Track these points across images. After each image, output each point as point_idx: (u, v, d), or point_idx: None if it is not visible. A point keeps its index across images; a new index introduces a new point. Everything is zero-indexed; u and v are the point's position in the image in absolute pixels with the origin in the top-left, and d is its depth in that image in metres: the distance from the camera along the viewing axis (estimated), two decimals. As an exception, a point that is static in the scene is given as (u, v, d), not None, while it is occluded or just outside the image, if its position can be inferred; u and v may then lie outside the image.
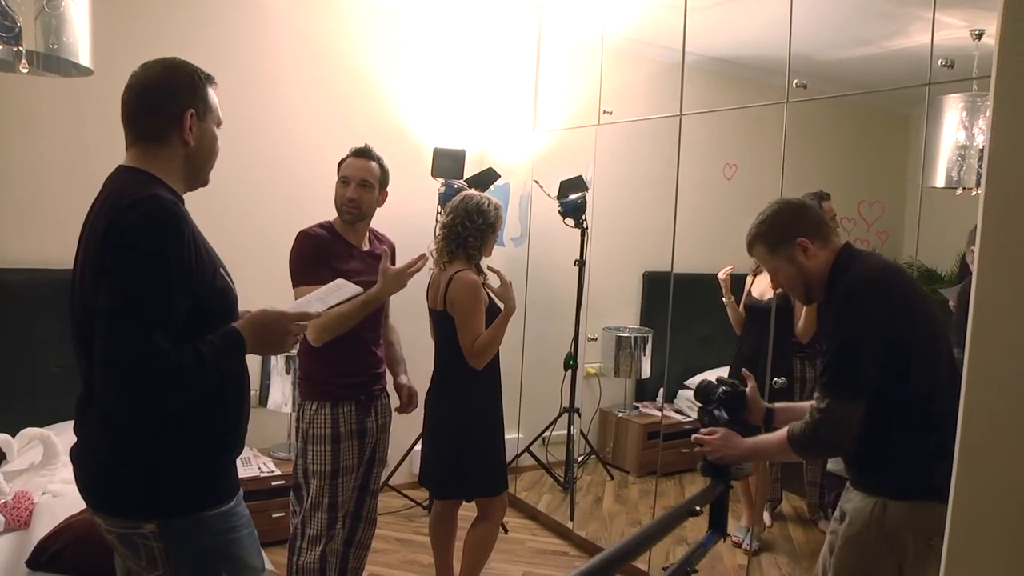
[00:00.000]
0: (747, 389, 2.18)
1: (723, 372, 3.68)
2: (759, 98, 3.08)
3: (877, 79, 2.99)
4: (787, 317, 3.25)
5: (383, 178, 2.69)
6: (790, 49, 2.83)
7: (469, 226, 2.81)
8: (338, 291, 1.98)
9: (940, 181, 2.69)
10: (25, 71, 1.95)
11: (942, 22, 2.46)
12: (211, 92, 1.68)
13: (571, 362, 4.01)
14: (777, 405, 2.22)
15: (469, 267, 2.82)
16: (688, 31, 3.24)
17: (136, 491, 1.54)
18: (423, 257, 2.57)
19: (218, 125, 1.71)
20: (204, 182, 1.72)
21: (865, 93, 3.00)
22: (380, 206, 2.72)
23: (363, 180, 2.64)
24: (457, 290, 2.76)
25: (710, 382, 2.18)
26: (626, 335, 4.26)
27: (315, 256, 2.55)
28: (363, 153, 2.68)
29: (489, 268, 2.88)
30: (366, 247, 2.72)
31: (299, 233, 2.65)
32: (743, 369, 2.28)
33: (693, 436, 2.11)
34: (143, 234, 1.46)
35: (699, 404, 2.18)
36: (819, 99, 2.90)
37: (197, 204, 1.69)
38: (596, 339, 4.25)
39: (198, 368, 1.48)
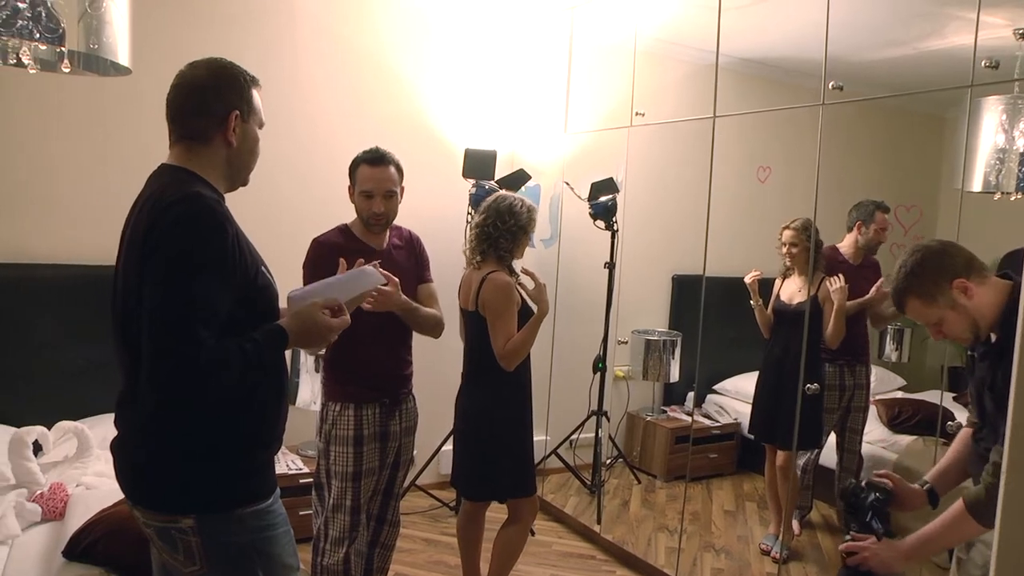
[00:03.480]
0: (892, 486, 1.92)
1: (752, 376, 3.73)
2: (794, 100, 3.05)
3: (913, 80, 2.94)
4: (816, 322, 3.22)
5: (401, 178, 2.66)
6: (826, 50, 2.78)
7: (501, 227, 2.80)
8: (361, 279, 1.97)
9: (977, 185, 2.63)
10: (67, 71, 1.99)
11: (984, 22, 2.40)
12: (255, 94, 1.70)
13: (600, 365, 4.00)
14: (930, 478, 1.97)
15: (501, 268, 2.81)
16: (722, 32, 3.21)
17: (176, 485, 1.56)
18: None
19: (260, 127, 1.72)
20: (244, 182, 1.74)
21: (905, 95, 2.94)
22: (400, 201, 2.69)
23: (388, 191, 2.61)
24: (490, 291, 2.76)
25: (858, 485, 1.93)
26: (655, 338, 4.23)
27: (323, 266, 2.44)
28: (379, 160, 2.60)
29: (524, 270, 2.87)
30: (386, 244, 2.70)
31: (312, 241, 2.64)
32: (883, 473, 1.98)
33: (842, 547, 1.84)
34: (187, 232, 1.47)
35: (847, 512, 1.94)
36: (856, 101, 2.85)
37: (230, 204, 1.69)
38: (626, 342, 4.23)
39: (241, 365, 1.49)
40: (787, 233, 3.43)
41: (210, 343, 1.44)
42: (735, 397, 4.25)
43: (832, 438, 3.48)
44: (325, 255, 2.54)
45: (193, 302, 1.44)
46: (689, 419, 4.09)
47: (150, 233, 1.48)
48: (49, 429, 2.98)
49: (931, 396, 3.38)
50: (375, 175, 2.59)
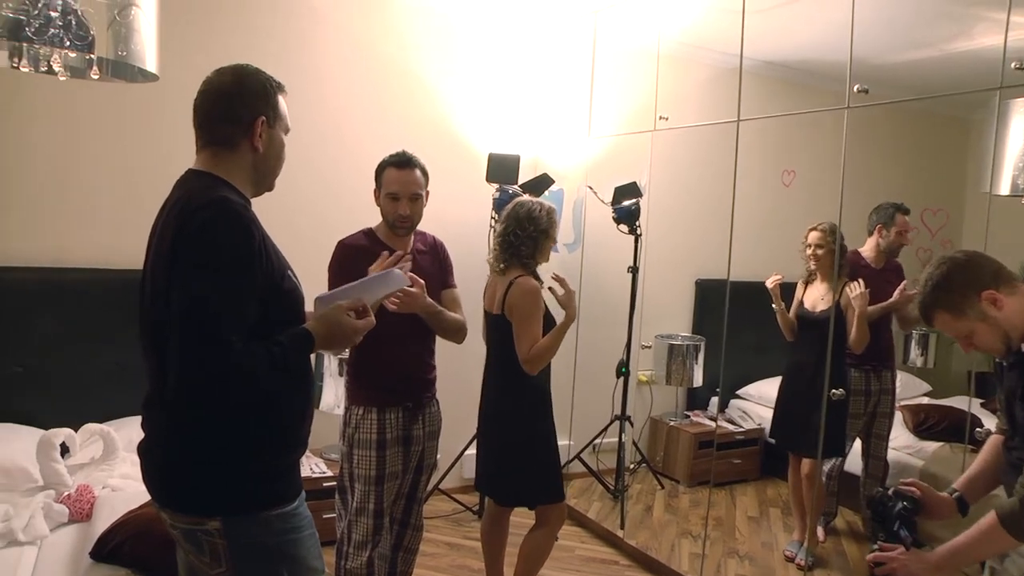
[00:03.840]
0: (920, 495, 1.89)
1: (776, 381, 3.69)
2: (819, 103, 3.02)
3: (940, 83, 2.90)
4: (840, 327, 3.19)
5: (427, 182, 2.67)
6: (851, 53, 2.76)
7: (521, 234, 2.80)
8: (387, 281, 1.98)
9: (1005, 188, 2.59)
10: (96, 77, 2.02)
11: (1015, 23, 2.36)
12: (281, 100, 1.71)
13: (623, 369, 3.99)
14: (959, 486, 1.93)
15: (527, 273, 2.81)
16: (746, 35, 3.19)
17: (202, 488, 1.57)
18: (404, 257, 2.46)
19: (286, 132, 1.73)
20: (270, 187, 1.76)
21: (932, 98, 2.91)
22: (425, 205, 2.70)
23: (413, 194, 2.61)
24: (518, 295, 2.76)
25: (885, 494, 1.89)
26: (678, 343, 4.21)
27: (349, 268, 2.48)
28: (405, 163, 2.62)
29: (554, 276, 2.86)
30: (410, 249, 2.69)
31: (337, 243, 2.65)
32: (910, 481, 1.94)
33: (870, 557, 1.79)
34: (214, 236, 1.48)
35: (875, 521, 1.91)
36: (881, 104, 2.81)
37: (256, 209, 1.70)
38: (649, 347, 4.21)
39: (269, 368, 1.50)
40: (813, 235, 3.40)
41: (237, 346, 1.45)
42: (758, 402, 4.21)
43: (857, 444, 3.44)
44: (351, 257, 2.57)
45: (220, 306, 1.45)
46: (712, 424, 4.07)
47: (177, 237, 1.50)
48: (76, 431, 3.01)
49: (958, 402, 3.35)
50: (401, 177, 2.60)
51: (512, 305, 2.76)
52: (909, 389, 3.69)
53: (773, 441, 3.75)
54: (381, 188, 2.64)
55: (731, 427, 4.18)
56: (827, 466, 3.38)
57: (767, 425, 3.91)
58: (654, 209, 3.98)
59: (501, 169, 4.09)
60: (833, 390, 2.96)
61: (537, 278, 2.84)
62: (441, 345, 2.76)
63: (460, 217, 4.15)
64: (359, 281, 1.92)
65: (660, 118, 3.75)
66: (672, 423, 4.42)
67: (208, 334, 1.43)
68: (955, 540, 1.70)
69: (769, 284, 3.51)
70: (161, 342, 1.50)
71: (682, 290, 4.47)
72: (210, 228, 1.49)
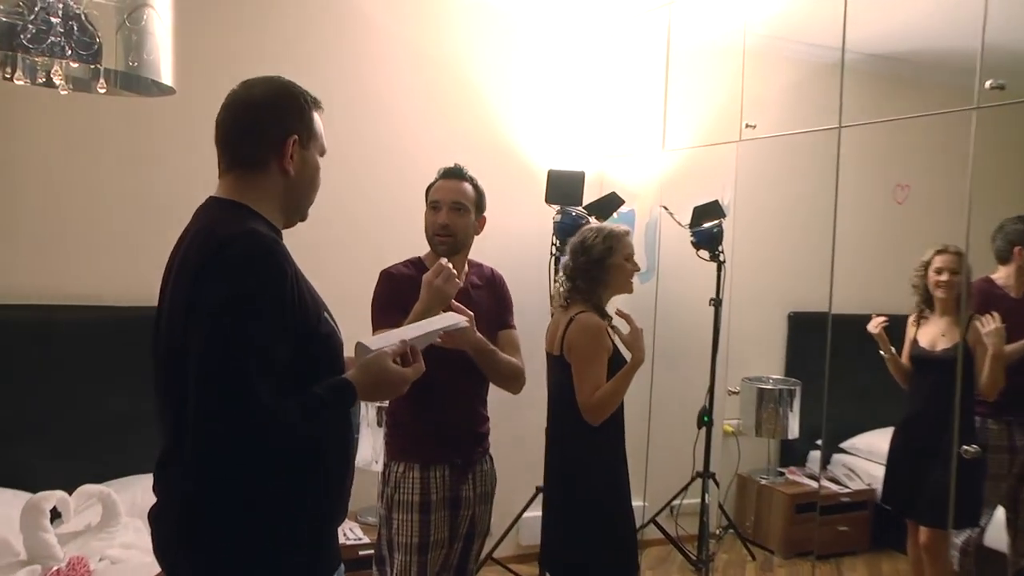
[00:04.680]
0: None
1: (888, 433, 3.55)
2: (940, 103, 2.92)
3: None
4: (968, 369, 3.01)
5: (479, 201, 2.67)
6: (983, 40, 2.63)
7: (574, 266, 2.84)
8: (437, 323, 2.01)
9: None
10: (103, 91, 2.00)
11: None
12: (316, 117, 1.71)
13: (705, 418, 3.93)
14: None
15: (590, 308, 2.81)
16: (848, 24, 3.10)
17: (225, 562, 1.54)
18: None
19: (321, 154, 1.74)
20: (303, 217, 1.76)
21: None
22: (478, 233, 2.70)
23: (456, 203, 2.61)
24: (577, 333, 2.75)
25: None
26: (769, 387, 4.09)
27: (393, 299, 2.51)
28: (454, 173, 2.65)
29: (618, 312, 2.84)
30: (463, 282, 2.65)
31: (381, 272, 2.66)
32: None
33: None
34: (241, 274, 1.47)
35: None
36: (1021, 103, 2.68)
37: (290, 240, 1.69)
38: (736, 392, 4.11)
39: (303, 425, 1.49)
40: (942, 258, 3.27)
41: (267, 400, 1.43)
42: (868, 458, 4.05)
43: (999, 513, 3.23)
44: (397, 288, 2.57)
45: (247, 354, 1.44)
46: (813, 484, 3.93)
47: (200, 275, 1.49)
48: (70, 494, 2.96)
49: None
50: (445, 185, 2.64)
51: (571, 344, 2.76)
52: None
53: (887, 506, 3.59)
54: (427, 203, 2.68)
55: (835, 487, 4.01)
56: (960, 539, 3.21)
57: (879, 486, 3.76)
58: (740, 232, 3.92)
59: (562, 188, 4.07)
60: (965, 446, 2.79)
61: (604, 314, 2.82)
62: (496, 393, 2.72)
63: (518, 243, 4.13)
64: (408, 327, 1.94)
65: (746, 126, 3.70)
66: (764, 482, 4.30)
67: (233, 388, 1.41)
68: None
69: (873, 329, 3.42)
70: (178, 391, 1.49)
71: (773, 325, 4.38)
72: (236, 265, 1.48)
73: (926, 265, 3.31)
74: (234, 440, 1.42)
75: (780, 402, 4.04)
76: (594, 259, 2.80)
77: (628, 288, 2.87)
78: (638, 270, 2.90)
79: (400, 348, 1.71)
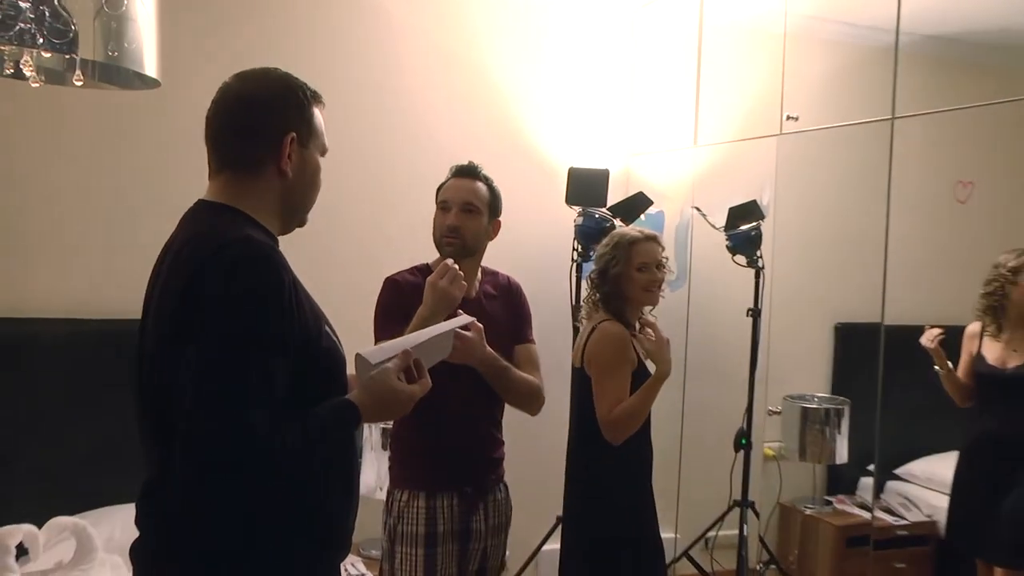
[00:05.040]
0: None
1: (950, 457, 3.51)
2: (1009, 90, 2.91)
3: None
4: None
5: (494, 203, 2.67)
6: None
7: (593, 277, 2.93)
8: (441, 329, 2.02)
9: None
10: (79, 84, 2.00)
11: None
12: (317, 113, 1.71)
13: (743, 441, 3.92)
14: None
15: (614, 317, 2.84)
16: (903, 1, 3.08)
17: None
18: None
19: (323, 153, 1.74)
20: (302, 222, 1.76)
21: None
22: (492, 239, 2.69)
23: (466, 204, 2.60)
24: (596, 343, 2.79)
25: None
26: (814, 406, 4.05)
27: (397, 309, 2.50)
28: (467, 172, 2.66)
29: (642, 319, 2.85)
30: (475, 292, 2.67)
31: (385, 280, 2.66)
32: None
33: None
34: (235, 285, 1.47)
35: None
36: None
37: (287, 246, 1.69)
38: (778, 412, 4.09)
39: (303, 453, 1.49)
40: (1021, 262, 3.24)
41: (264, 428, 1.42)
42: (927, 486, 4.01)
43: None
44: (402, 297, 2.57)
45: (242, 373, 1.43)
46: (865, 514, 3.90)
47: (189, 287, 1.48)
48: (39, 528, 2.95)
49: None
50: (456, 184, 2.65)
51: (591, 355, 2.79)
52: None
53: (953, 542, 3.56)
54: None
55: (890, 519, 3.96)
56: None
57: (941, 518, 3.71)
58: (780, 235, 3.92)
59: (584, 188, 4.06)
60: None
61: (628, 324, 2.84)
62: (513, 413, 2.72)
63: (538, 253, 4.15)
64: (410, 336, 1.92)
65: (787, 118, 3.67)
66: (809, 511, 4.27)
67: (227, 415, 1.41)
68: None
69: (927, 343, 3.39)
70: (165, 417, 1.49)
71: (818, 338, 4.37)
72: (230, 275, 1.47)
73: (1016, 270, 3.25)
74: (227, 471, 1.41)
75: (827, 423, 4.00)
76: (601, 269, 2.87)
77: (646, 299, 2.86)
78: (657, 280, 2.87)
79: (403, 361, 1.70)
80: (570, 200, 4.08)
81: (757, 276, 3.84)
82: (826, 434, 4.00)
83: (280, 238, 1.71)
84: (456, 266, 2.42)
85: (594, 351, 2.78)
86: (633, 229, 3.01)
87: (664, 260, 2.90)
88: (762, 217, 3.79)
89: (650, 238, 2.90)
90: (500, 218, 2.70)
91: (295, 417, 1.49)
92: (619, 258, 2.84)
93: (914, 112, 3.13)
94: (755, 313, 3.86)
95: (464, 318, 2.25)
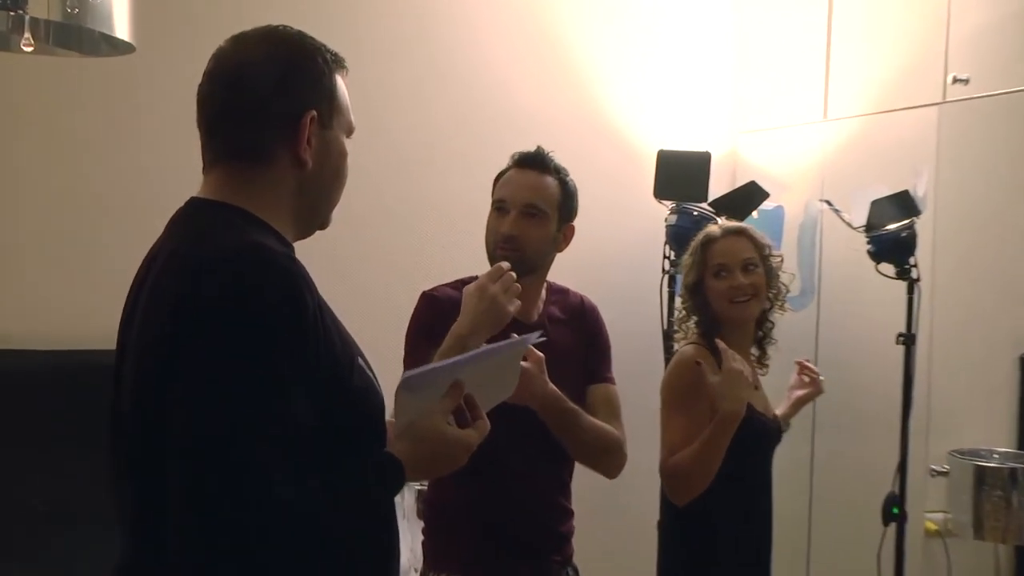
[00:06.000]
0: None
1: None
2: None
3: None
4: None
5: (566, 203, 2.63)
6: None
7: (682, 293, 3.01)
8: (504, 351, 2.05)
9: None
10: (28, 50, 2.03)
11: None
12: (340, 83, 1.71)
13: (895, 510, 3.81)
14: None
15: (699, 339, 2.91)
16: None
17: None
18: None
19: (349, 134, 1.74)
20: (324, 223, 1.78)
21: None
22: (561, 249, 2.67)
23: (529, 206, 2.57)
24: (668, 370, 2.92)
25: None
26: (994, 465, 3.97)
27: (434, 328, 2.47)
28: (533, 162, 2.63)
29: (717, 342, 2.81)
30: (537, 315, 2.66)
31: (421, 295, 2.67)
32: None
33: None
34: (244, 307, 1.46)
35: None
36: None
37: (304, 252, 1.67)
38: (944, 471, 4.01)
39: (334, 520, 1.51)
40: None
41: (286, 493, 1.42)
42: None
43: None
44: (442, 313, 2.53)
45: (256, 424, 1.42)
46: None
47: (182, 308, 1.47)
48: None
49: None
50: (517, 179, 2.62)
51: (662, 387, 2.88)
52: None
53: None
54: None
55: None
56: None
57: None
58: (943, 237, 3.85)
59: (679, 178, 4.09)
60: None
61: (714, 349, 2.82)
62: (585, 476, 2.71)
63: (622, 264, 4.22)
64: (456, 358, 1.92)
65: (954, 80, 3.66)
66: None
67: (239, 477, 1.40)
68: None
69: None
70: (151, 474, 1.47)
71: (996, 372, 4.34)
72: (236, 293, 1.46)
73: None
74: (239, 544, 1.40)
75: (1012, 487, 3.91)
76: (684, 281, 2.97)
77: (730, 312, 2.86)
78: (740, 286, 2.85)
79: (453, 399, 1.70)
80: (660, 193, 4.10)
81: (911, 291, 3.75)
82: (1011, 503, 3.89)
83: (296, 246, 1.69)
84: (513, 273, 2.37)
85: (664, 381, 2.86)
86: (719, 225, 3.03)
87: (755, 260, 2.88)
88: (917, 213, 3.69)
89: (732, 232, 2.92)
90: (574, 223, 2.67)
91: (329, 485, 1.49)
92: (696, 263, 2.89)
93: None
94: (908, 340, 3.76)
95: (534, 334, 2.18)
